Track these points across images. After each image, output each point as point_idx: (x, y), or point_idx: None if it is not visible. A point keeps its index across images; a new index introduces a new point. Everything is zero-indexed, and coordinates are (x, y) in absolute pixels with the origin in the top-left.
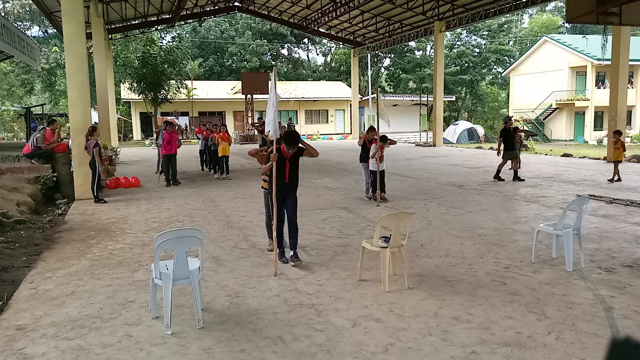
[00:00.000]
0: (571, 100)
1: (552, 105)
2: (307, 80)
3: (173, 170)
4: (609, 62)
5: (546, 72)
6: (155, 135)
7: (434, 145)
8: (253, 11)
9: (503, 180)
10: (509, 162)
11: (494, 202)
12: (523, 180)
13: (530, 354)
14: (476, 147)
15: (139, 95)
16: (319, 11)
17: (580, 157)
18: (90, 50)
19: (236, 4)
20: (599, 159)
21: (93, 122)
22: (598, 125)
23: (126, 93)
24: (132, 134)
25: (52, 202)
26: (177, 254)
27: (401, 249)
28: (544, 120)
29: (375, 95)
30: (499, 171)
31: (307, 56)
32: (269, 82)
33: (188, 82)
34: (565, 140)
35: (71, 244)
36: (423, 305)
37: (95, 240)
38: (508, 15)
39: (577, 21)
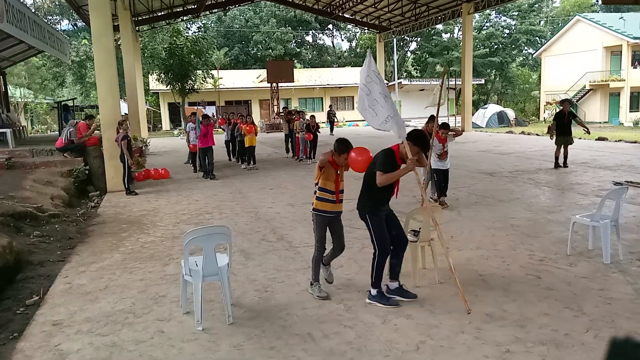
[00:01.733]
0: (605, 81)
1: (586, 87)
2: (332, 67)
3: (210, 163)
4: None
5: (579, 52)
6: (184, 125)
7: (464, 130)
8: None
9: (562, 166)
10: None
11: (527, 190)
12: (567, 166)
13: (568, 354)
14: (507, 132)
15: (166, 86)
16: None
17: (616, 141)
18: (119, 43)
19: None
20: (636, 142)
21: (122, 114)
22: (634, 107)
23: (154, 84)
24: (161, 124)
25: (85, 195)
26: (206, 250)
27: (431, 243)
28: (577, 101)
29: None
30: (556, 158)
31: (332, 42)
32: (367, 67)
33: (214, 72)
34: (600, 123)
35: (104, 238)
36: (455, 301)
37: (127, 233)
38: None
39: (613, 2)
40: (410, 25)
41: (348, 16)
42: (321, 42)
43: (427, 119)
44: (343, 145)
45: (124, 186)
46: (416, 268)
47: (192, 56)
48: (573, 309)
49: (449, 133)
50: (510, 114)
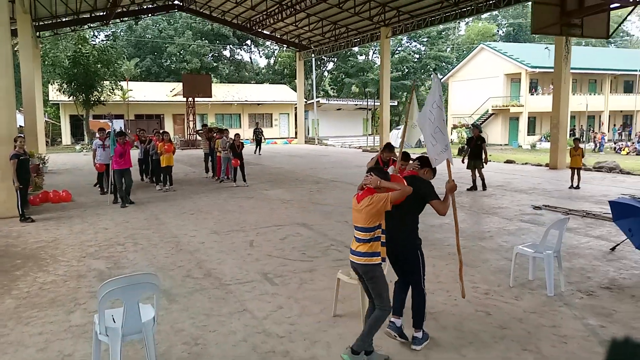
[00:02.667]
0: (506, 106)
1: (489, 111)
2: (250, 83)
3: (127, 187)
4: (542, 70)
5: (483, 78)
6: (88, 140)
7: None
8: (194, 10)
9: (479, 189)
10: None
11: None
12: (485, 189)
13: None
14: (422, 153)
15: (69, 97)
16: (264, 13)
17: (523, 164)
18: (16, 49)
19: (176, 2)
20: (541, 165)
21: (18, 126)
22: (531, 130)
23: (55, 94)
24: (61, 138)
25: None
26: (128, 305)
27: None
28: (480, 125)
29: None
30: (473, 181)
31: (250, 58)
32: (437, 90)
33: (123, 83)
34: (501, 145)
35: None
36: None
37: (22, 271)
38: (450, 23)
39: (541, 32)
40: (330, 46)
41: (268, 33)
42: (239, 57)
43: (382, 147)
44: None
45: (17, 212)
46: (366, 308)
47: (98, 65)
48: (532, 350)
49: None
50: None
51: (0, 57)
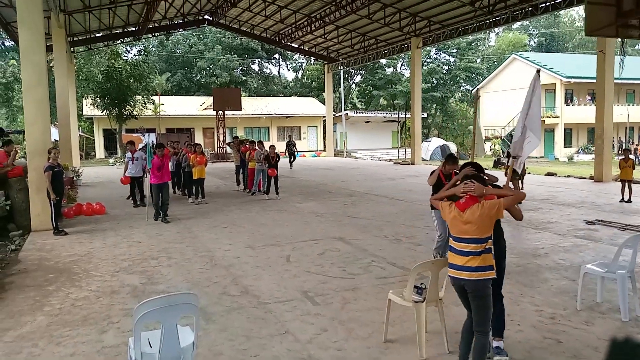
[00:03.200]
0: (541, 117)
1: None
2: (278, 96)
3: (165, 203)
4: (578, 80)
5: (516, 89)
6: (121, 153)
7: (413, 164)
8: (224, 25)
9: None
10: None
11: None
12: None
13: None
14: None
15: (102, 111)
16: (293, 25)
17: (565, 176)
18: (51, 64)
19: (206, 17)
20: (584, 177)
21: (52, 140)
22: (568, 142)
23: (89, 109)
24: (94, 152)
25: (5, 235)
26: (166, 328)
27: (439, 303)
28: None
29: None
30: None
31: (278, 72)
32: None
33: (155, 98)
34: (537, 158)
35: (25, 292)
36: None
37: (55, 286)
38: (482, 32)
39: (596, 34)
40: (359, 57)
41: (296, 46)
42: (267, 71)
43: (445, 159)
44: None
45: (51, 224)
46: (423, 335)
47: (131, 80)
48: None
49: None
50: (453, 147)
51: (35, 67)
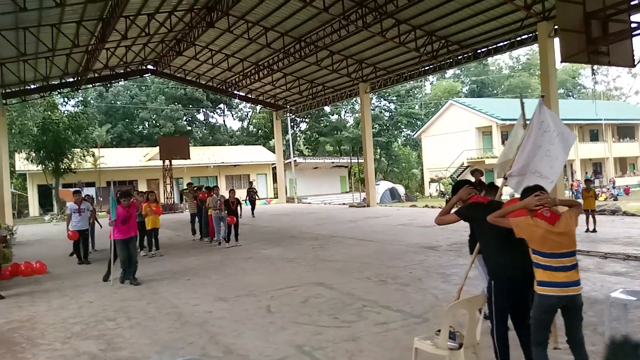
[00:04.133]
0: (481, 158)
1: (464, 164)
2: (225, 145)
3: (133, 262)
4: (513, 122)
5: (455, 132)
6: (57, 209)
7: (368, 206)
8: (168, 74)
9: None
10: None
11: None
12: None
13: None
14: (411, 206)
15: (37, 166)
16: (240, 74)
17: None
18: None
19: (149, 67)
20: None
21: None
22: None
23: (22, 164)
24: (27, 209)
25: None
26: None
27: (477, 348)
28: (457, 177)
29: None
30: None
31: (224, 121)
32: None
33: (95, 150)
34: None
35: None
36: None
37: None
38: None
39: (570, 60)
40: (308, 104)
41: (243, 94)
42: (213, 120)
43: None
44: None
45: None
46: None
47: (69, 132)
48: None
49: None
50: (401, 190)
51: None
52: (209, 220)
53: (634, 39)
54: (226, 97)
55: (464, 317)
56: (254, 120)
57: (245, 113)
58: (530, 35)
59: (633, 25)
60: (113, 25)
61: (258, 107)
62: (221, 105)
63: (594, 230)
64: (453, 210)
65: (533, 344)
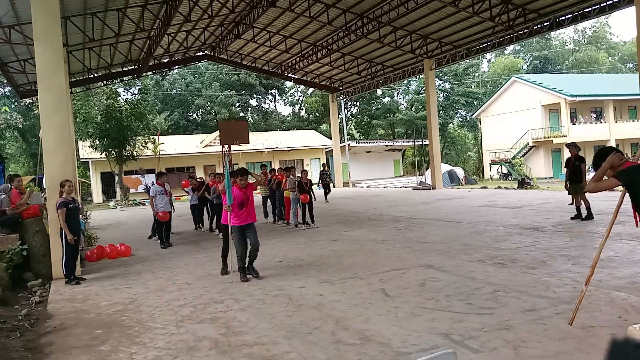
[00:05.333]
0: (548, 137)
1: (529, 144)
2: (277, 131)
3: (253, 252)
4: (583, 98)
5: (518, 111)
6: (121, 195)
7: (434, 188)
8: (225, 59)
9: (583, 218)
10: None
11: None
12: (592, 217)
13: None
14: (481, 187)
15: (101, 153)
16: (298, 55)
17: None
18: None
19: (206, 52)
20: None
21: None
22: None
23: (85, 152)
24: (91, 196)
25: (22, 284)
26: None
27: None
28: (521, 157)
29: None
30: (577, 209)
31: (275, 106)
32: None
33: (155, 137)
34: (546, 178)
35: (74, 356)
36: None
37: (109, 345)
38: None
39: None
40: (366, 84)
41: (298, 77)
42: (265, 105)
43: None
44: None
45: (62, 271)
46: None
47: (131, 120)
48: None
49: None
50: (460, 172)
51: (53, 90)
52: (285, 203)
53: None
54: (280, 81)
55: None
56: (305, 105)
57: (297, 98)
58: None
59: None
60: (177, 6)
61: (310, 91)
62: (273, 91)
63: None
64: (606, 176)
65: None
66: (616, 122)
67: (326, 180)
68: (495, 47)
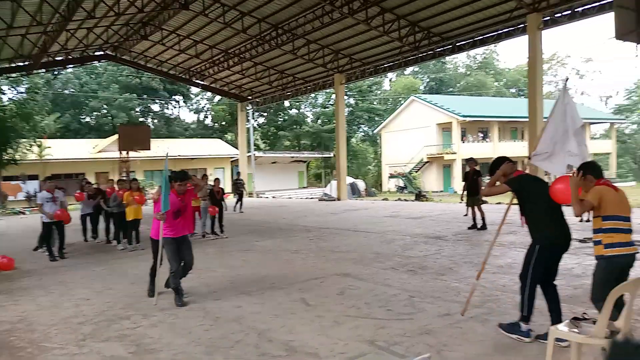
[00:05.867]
0: (440, 154)
1: (424, 159)
2: (180, 138)
3: (188, 266)
4: (472, 119)
5: (415, 128)
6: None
7: (339, 200)
8: (128, 61)
9: (478, 228)
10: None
11: (507, 253)
12: (486, 227)
13: None
14: (383, 199)
15: None
16: (209, 61)
17: (497, 203)
18: None
19: (108, 52)
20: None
21: None
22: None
23: None
24: None
25: None
26: None
27: (629, 335)
28: (416, 172)
29: None
30: (473, 219)
31: (179, 113)
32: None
33: (41, 140)
34: (438, 191)
35: None
36: None
37: None
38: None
39: (624, 39)
40: (277, 95)
41: (207, 84)
42: (169, 111)
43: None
44: None
45: None
46: None
47: (16, 120)
48: None
49: None
50: (361, 185)
51: None
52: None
53: None
54: (186, 86)
55: None
56: (212, 113)
57: (203, 105)
58: (519, 27)
59: None
60: (81, 1)
61: (216, 99)
62: (177, 96)
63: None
64: (498, 183)
65: (595, 300)
66: (500, 141)
67: (240, 189)
68: (401, 67)
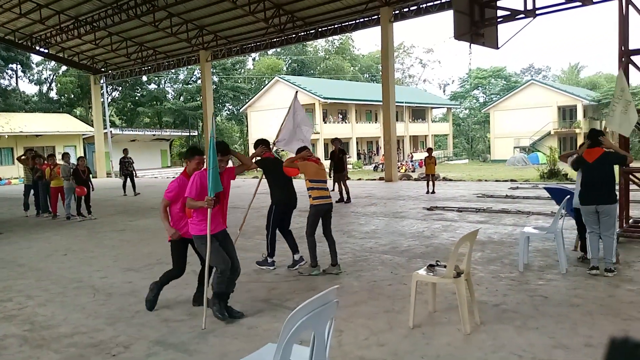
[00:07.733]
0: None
1: None
2: (20, 112)
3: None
4: (332, 100)
5: (280, 108)
6: None
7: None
8: None
9: (345, 201)
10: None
11: (371, 222)
12: (350, 200)
13: None
14: (253, 177)
15: None
16: (56, 27)
17: (357, 179)
18: None
19: None
20: (374, 179)
21: None
22: (326, 155)
23: None
24: None
25: None
26: (318, 338)
27: (469, 276)
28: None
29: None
30: (340, 192)
31: (17, 84)
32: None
33: None
34: None
35: None
36: (517, 340)
37: None
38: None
39: (461, 39)
40: (136, 69)
41: (53, 53)
42: (5, 82)
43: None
44: None
45: None
46: (465, 309)
47: None
48: (615, 322)
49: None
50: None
51: None
52: (50, 193)
53: (501, 26)
54: (25, 54)
55: None
56: (57, 85)
57: (46, 77)
58: (374, 18)
59: (499, 12)
60: None
61: (63, 70)
62: (14, 65)
63: (433, 192)
64: (254, 160)
65: (309, 235)
66: (357, 123)
67: (129, 168)
68: (267, 47)
